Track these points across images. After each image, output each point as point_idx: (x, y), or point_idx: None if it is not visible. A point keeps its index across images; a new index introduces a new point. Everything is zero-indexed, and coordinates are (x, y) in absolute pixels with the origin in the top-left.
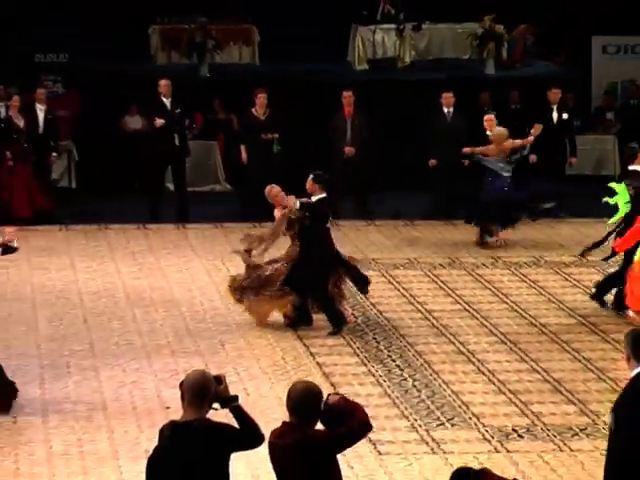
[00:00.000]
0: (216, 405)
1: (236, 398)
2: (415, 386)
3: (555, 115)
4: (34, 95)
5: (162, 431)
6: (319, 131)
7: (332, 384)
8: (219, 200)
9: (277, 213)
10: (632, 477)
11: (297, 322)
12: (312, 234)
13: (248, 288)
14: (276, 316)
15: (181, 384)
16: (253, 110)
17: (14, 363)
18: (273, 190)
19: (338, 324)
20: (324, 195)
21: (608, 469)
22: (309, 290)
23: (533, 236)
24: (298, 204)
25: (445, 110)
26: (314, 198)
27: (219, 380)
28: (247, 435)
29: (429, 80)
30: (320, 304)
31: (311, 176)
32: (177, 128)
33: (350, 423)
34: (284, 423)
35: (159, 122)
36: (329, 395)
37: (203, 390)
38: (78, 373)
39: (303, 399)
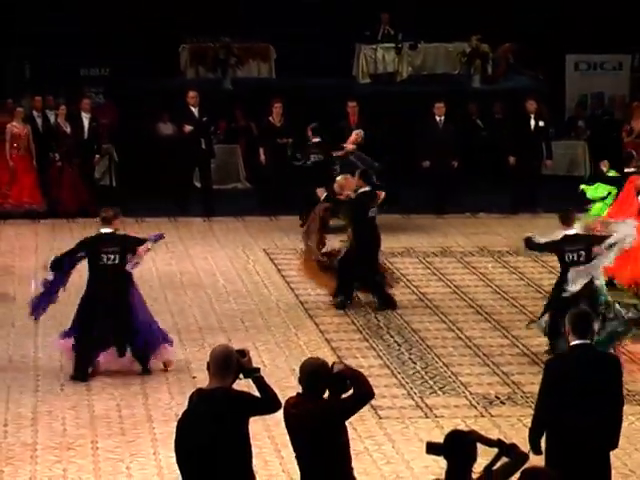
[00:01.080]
0: (240, 375)
1: (258, 369)
2: (411, 359)
3: (532, 123)
4: (80, 105)
5: (191, 397)
6: (329, 137)
7: (339, 357)
8: (240, 197)
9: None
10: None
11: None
12: (355, 223)
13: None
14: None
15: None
16: (270, 118)
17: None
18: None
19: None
20: (366, 189)
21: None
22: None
23: (514, 229)
24: (324, 196)
25: (437, 118)
26: (359, 191)
27: (243, 353)
28: (266, 402)
29: (424, 92)
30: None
31: (357, 172)
32: (204, 134)
33: (355, 392)
34: (298, 394)
35: (188, 128)
36: (334, 363)
37: (226, 362)
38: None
39: (314, 374)
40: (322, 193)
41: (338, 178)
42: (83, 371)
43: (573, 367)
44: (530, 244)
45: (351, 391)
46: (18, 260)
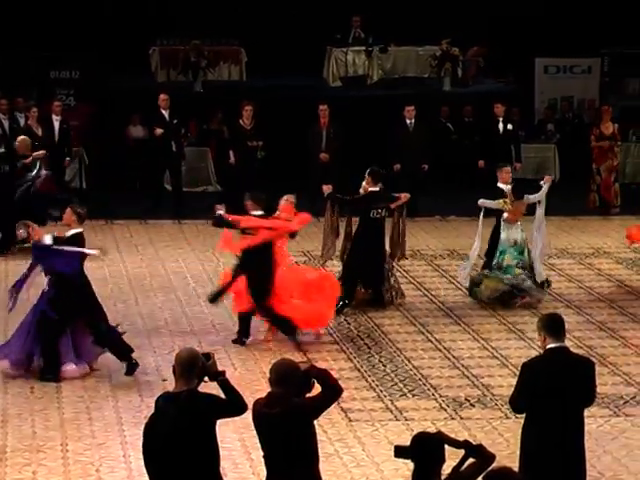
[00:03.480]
0: (206, 378)
1: (223, 373)
2: (381, 361)
3: (501, 126)
4: (50, 107)
5: (157, 400)
6: (298, 139)
7: (309, 359)
8: (211, 199)
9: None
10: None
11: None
12: (359, 222)
13: None
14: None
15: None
16: (240, 121)
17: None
18: None
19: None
20: (375, 189)
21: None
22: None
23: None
24: (327, 194)
25: (407, 121)
26: (368, 190)
27: (208, 357)
28: (232, 404)
29: (394, 95)
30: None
31: (368, 172)
32: (174, 136)
33: (324, 389)
34: (269, 394)
35: (158, 131)
36: (299, 364)
37: (191, 365)
38: None
39: (287, 372)
40: (327, 189)
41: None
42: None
43: (550, 370)
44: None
45: (312, 392)
46: None
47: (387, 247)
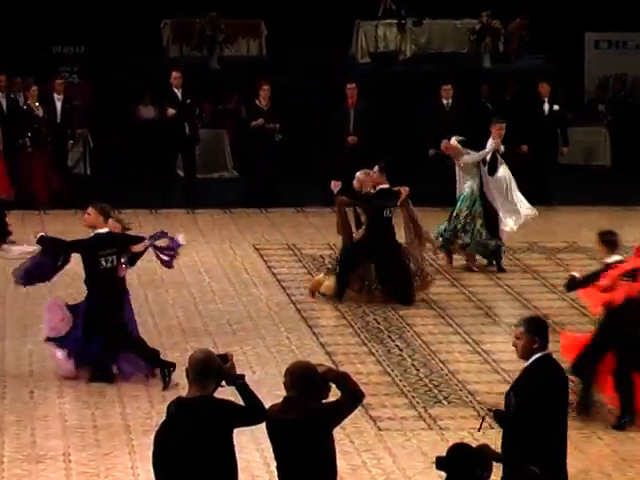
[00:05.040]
0: (223, 382)
1: (242, 376)
2: (414, 365)
3: (546, 107)
4: (52, 85)
5: (169, 407)
6: (322, 121)
7: (335, 363)
8: (227, 186)
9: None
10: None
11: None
12: (370, 221)
13: None
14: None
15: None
16: (257, 101)
17: (31, 341)
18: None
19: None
20: (385, 186)
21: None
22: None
23: (526, 223)
24: (337, 190)
25: (444, 102)
26: (378, 188)
27: (225, 358)
28: (251, 412)
29: (429, 73)
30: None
31: (378, 167)
32: (187, 117)
33: (344, 394)
34: (285, 399)
35: (170, 112)
36: (316, 366)
37: (206, 368)
38: None
39: (303, 375)
40: (336, 186)
41: (358, 173)
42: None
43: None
44: None
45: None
46: None
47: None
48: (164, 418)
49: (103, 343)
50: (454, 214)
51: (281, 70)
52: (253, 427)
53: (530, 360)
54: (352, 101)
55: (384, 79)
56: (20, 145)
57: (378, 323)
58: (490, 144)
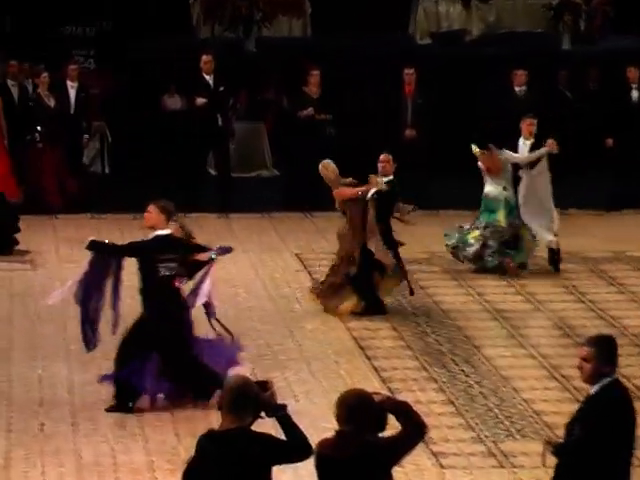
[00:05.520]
0: (262, 413)
1: (284, 407)
2: (482, 393)
3: (635, 94)
4: (64, 72)
5: (199, 441)
6: (375, 112)
7: (390, 390)
8: (266, 187)
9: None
10: None
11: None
12: (388, 225)
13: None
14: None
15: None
16: (305, 88)
17: (40, 365)
18: None
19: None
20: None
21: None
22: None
23: (612, 229)
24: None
25: (517, 89)
26: (385, 179)
27: (265, 386)
28: (294, 447)
29: (499, 56)
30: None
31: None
32: (220, 108)
33: (405, 427)
34: (338, 433)
35: (200, 101)
36: (372, 394)
37: (242, 397)
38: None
39: (359, 405)
40: (377, 184)
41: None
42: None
43: None
44: None
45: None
46: None
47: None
48: (193, 454)
49: (156, 362)
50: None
51: (327, 53)
52: (296, 465)
53: (597, 386)
54: (410, 89)
55: (447, 63)
56: (29, 140)
57: (440, 344)
58: (544, 148)
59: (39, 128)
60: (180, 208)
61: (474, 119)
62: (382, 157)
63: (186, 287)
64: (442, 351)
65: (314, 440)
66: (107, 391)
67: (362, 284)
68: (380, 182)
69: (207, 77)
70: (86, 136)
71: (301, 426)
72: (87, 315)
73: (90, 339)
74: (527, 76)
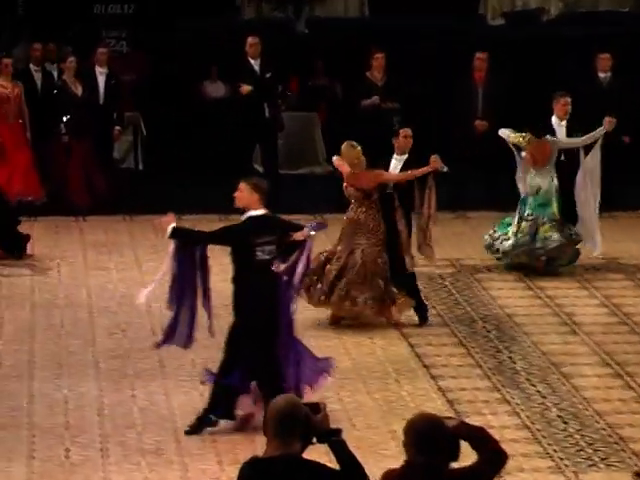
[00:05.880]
0: (314, 439)
1: (338, 431)
2: (561, 417)
3: None
4: (93, 56)
5: (242, 469)
6: (443, 101)
7: (458, 413)
8: (319, 185)
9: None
10: None
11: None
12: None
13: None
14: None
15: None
16: (368, 74)
17: (66, 383)
18: None
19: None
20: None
21: None
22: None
23: None
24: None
25: (601, 75)
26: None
27: (317, 408)
28: (348, 476)
29: (581, 38)
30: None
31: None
32: (267, 96)
33: (482, 456)
34: (407, 463)
35: (245, 89)
36: (445, 420)
37: (291, 420)
38: (145, 397)
39: (431, 432)
40: (437, 164)
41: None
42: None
43: None
44: None
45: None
46: (6, 274)
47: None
48: None
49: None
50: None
51: (387, 36)
52: None
53: None
54: (481, 75)
55: (522, 46)
56: (53, 133)
57: (514, 362)
58: (601, 129)
59: (65, 119)
60: (221, 209)
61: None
62: (405, 132)
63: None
64: (516, 369)
65: (371, 470)
66: (140, 413)
67: (408, 280)
68: (441, 163)
69: (253, 62)
70: (117, 128)
71: (357, 453)
72: (180, 316)
73: (185, 340)
74: (612, 61)
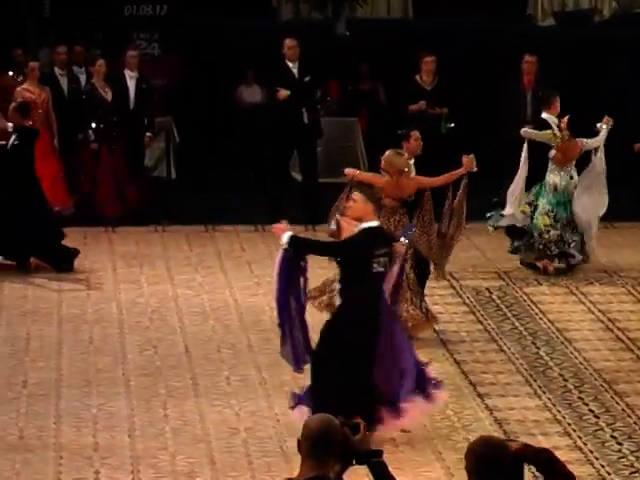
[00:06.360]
0: (354, 460)
1: (379, 453)
2: (615, 438)
3: None
4: (123, 59)
5: None
6: (489, 106)
7: (506, 433)
8: None
9: None
10: None
11: None
12: None
13: None
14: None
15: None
16: (418, 77)
17: (95, 402)
18: None
19: None
20: None
21: None
22: None
23: None
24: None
25: None
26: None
27: (356, 428)
28: None
29: (634, 40)
30: None
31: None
32: (306, 101)
33: (550, 479)
34: None
35: (283, 93)
36: (507, 442)
37: (327, 440)
38: (178, 417)
39: (494, 457)
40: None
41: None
42: None
43: None
44: None
45: None
46: (32, 288)
47: None
48: None
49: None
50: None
51: (432, 38)
52: None
53: None
54: (530, 79)
55: (573, 48)
56: (81, 139)
57: (565, 380)
58: (603, 127)
59: (93, 125)
60: (257, 219)
61: (604, 114)
62: (415, 134)
63: None
64: (567, 387)
65: None
66: (173, 433)
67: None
68: (473, 164)
69: (291, 65)
70: (148, 134)
71: (399, 476)
72: (291, 327)
73: (299, 357)
74: None
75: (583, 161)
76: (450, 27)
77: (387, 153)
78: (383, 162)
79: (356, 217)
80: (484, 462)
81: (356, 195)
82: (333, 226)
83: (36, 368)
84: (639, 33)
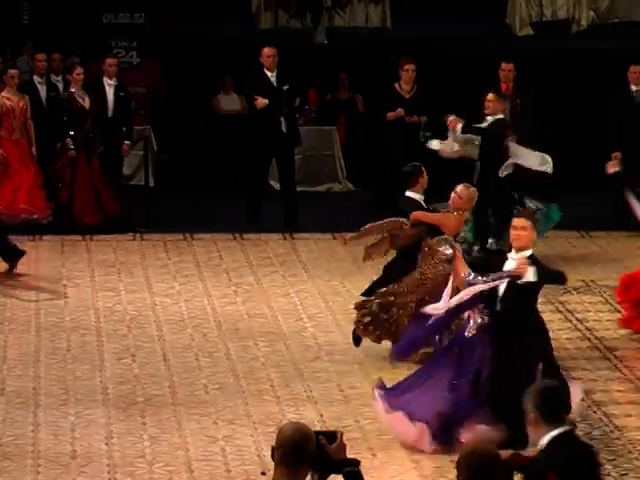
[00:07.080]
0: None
1: (355, 462)
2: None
3: None
4: (101, 66)
5: None
6: (469, 114)
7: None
8: (338, 203)
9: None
10: None
11: None
12: None
13: None
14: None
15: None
16: (397, 85)
17: (73, 411)
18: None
19: None
20: None
21: None
22: None
23: None
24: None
25: (634, 88)
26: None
27: (333, 436)
28: None
29: (613, 49)
30: None
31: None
32: (284, 110)
33: None
34: None
35: (262, 102)
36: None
37: (298, 448)
38: (155, 425)
39: (485, 466)
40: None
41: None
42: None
43: None
44: None
45: None
46: (10, 296)
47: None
48: None
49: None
50: None
51: (410, 46)
52: None
53: None
54: (507, 86)
55: (551, 58)
56: (59, 148)
57: (594, 393)
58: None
59: (72, 133)
60: (238, 227)
61: (580, 124)
62: (422, 167)
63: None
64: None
65: None
66: (151, 441)
67: None
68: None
69: (269, 74)
70: (127, 142)
71: None
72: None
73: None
74: None
75: None
76: (428, 36)
77: (467, 190)
78: (464, 199)
79: (521, 246)
80: (476, 472)
81: (525, 222)
82: (449, 251)
83: (14, 376)
84: (618, 44)
